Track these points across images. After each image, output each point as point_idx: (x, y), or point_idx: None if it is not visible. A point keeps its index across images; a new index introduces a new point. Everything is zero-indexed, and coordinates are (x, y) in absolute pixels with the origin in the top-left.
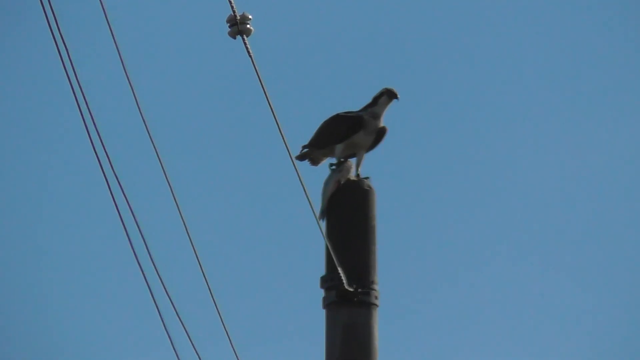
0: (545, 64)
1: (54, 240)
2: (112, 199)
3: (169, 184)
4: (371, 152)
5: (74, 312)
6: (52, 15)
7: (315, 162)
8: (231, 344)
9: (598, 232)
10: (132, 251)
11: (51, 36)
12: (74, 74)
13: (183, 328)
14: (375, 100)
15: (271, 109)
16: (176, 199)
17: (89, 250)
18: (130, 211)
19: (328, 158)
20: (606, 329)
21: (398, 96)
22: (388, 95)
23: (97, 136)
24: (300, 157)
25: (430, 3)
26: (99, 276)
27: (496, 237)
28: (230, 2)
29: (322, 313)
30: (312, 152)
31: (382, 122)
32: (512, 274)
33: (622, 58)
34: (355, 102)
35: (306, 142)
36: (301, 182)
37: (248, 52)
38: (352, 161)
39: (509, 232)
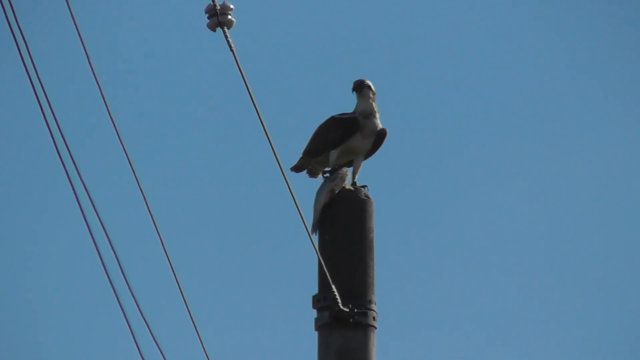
0: (531, 79)
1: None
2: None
3: (148, 207)
4: (370, 159)
5: (43, 318)
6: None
7: (313, 173)
8: None
9: (594, 236)
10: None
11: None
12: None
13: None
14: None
15: (257, 111)
16: (154, 219)
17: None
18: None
19: (328, 168)
20: (604, 331)
21: (355, 86)
22: (353, 90)
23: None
24: (296, 168)
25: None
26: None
27: (507, 247)
28: None
29: (314, 336)
30: (308, 161)
31: (380, 123)
32: (523, 289)
33: (600, 70)
34: (350, 102)
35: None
36: (290, 190)
37: (230, 46)
38: (349, 169)
39: (519, 242)
